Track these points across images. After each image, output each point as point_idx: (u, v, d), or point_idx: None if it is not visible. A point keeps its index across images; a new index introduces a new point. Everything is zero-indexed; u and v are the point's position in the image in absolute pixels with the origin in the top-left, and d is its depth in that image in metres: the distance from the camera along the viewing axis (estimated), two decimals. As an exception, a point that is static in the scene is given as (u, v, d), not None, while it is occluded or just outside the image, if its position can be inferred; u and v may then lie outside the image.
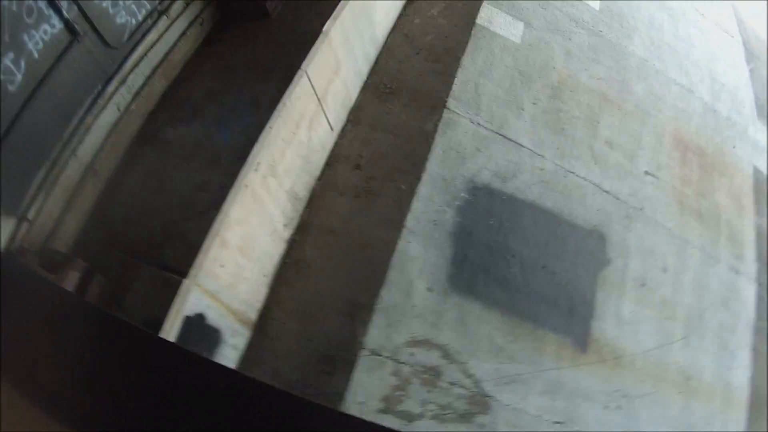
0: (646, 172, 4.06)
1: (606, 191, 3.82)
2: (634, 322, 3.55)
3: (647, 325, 3.60)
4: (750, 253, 4.29)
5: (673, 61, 4.91)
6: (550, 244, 3.50)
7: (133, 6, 2.83)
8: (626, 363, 3.45)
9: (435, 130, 3.57)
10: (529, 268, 3.39)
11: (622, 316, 3.51)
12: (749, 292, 4.16)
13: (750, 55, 5.73)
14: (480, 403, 3.09)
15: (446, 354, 3.08)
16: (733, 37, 5.73)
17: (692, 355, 3.71)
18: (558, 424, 3.21)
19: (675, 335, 3.67)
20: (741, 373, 3.89)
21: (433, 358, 3.07)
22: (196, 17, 3.26)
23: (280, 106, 2.88)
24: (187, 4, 3.17)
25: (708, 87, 4.96)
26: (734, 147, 4.70)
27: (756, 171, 4.78)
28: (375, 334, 3.01)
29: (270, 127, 2.82)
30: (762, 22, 5.98)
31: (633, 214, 3.84)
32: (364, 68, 3.78)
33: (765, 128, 5.13)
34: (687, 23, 5.40)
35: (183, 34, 3.17)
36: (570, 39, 4.49)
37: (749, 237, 4.38)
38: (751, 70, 5.52)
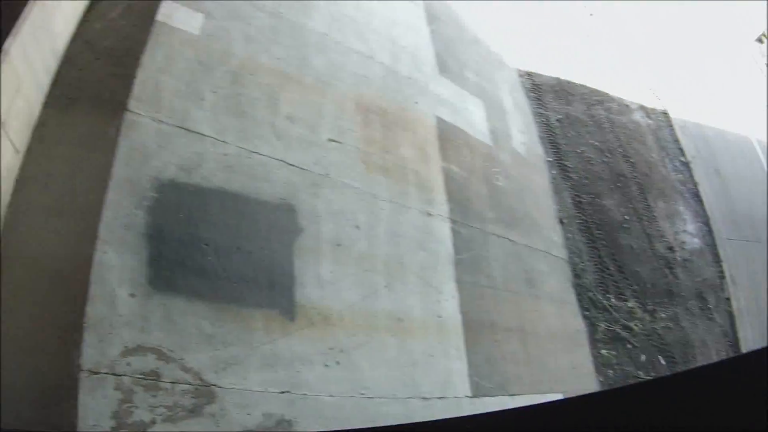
0: (330, 140, 5.02)
1: (291, 164, 4.70)
2: (335, 281, 4.43)
3: (349, 281, 4.50)
4: (440, 195, 5.53)
5: (353, 31, 6.00)
6: (242, 225, 4.25)
7: None
8: (335, 321, 4.31)
9: (118, 134, 4.09)
10: (224, 252, 4.09)
11: (322, 279, 4.38)
12: (444, 230, 5.37)
13: (431, 17, 6.93)
14: (205, 394, 3.63)
15: (161, 355, 3.60)
16: (412, 2, 6.86)
17: (398, 298, 4.72)
18: (284, 393, 3.88)
19: (378, 284, 4.65)
20: (449, 305, 5.02)
21: (149, 362, 3.55)
22: None
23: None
24: None
25: (388, 51, 6.11)
26: (416, 103, 5.89)
27: (439, 120, 6.08)
28: (89, 353, 3.41)
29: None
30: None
31: (319, 181, 4.77)
32: (46, 81, 4.16)
33: (447, 82, 6.28)
34: (368, -6, 6.41)
35: None
36: (250, 24, 5.31)
37: (438, 181, 5.62)
38: (432, 31, 6.69)
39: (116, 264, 3.72)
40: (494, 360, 5.16)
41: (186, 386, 3.61)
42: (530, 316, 5.80)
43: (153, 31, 4.65)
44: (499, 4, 8.90)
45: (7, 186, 3.71)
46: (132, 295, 3.68)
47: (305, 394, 3.98)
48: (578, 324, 6.39)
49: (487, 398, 4.87)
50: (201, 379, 3.68)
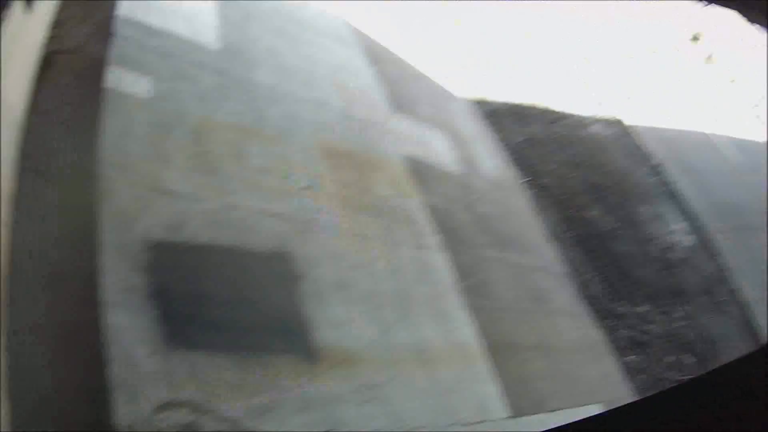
0: (306, 187, 5.26)
1: (273, 214, 4.94)
2: (348, 321, 4.66)
3: (361, 319, 4.74)
4: (427, 228, 5.87)
5: (300, 81, 6.44)
6: (241, 277, 4.48)
7: None
8: (359, 359, 4.52)
9: (96, 202, 4.28)
10: (231, 305, 4.31)
11: (335, 320, 4.60)
12: (441, 261, 5.68)
13: (373, 59, 7.40)
14: None
15: (195, 408, 3.75)
16: (351, 47, 7.33)
17: (415, 331, 4.96)
18: None
19: (391, 319, 4.87)
20: (467, 330, 5.28)
21: (185, 416, 3.69)
22: None
23: None
24: None
25: (340, 96, 6.56)
26: (379, 143, 6.26)
27: (406, 157, 6.49)
28: (122, 412, 3.53)
29: None
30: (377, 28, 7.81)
31: (307, 228, 5.05)
32: (12, 154, 4.23)
33: (404, 118, 6.69)
34: (306, 44, 6.93)
35: None
36: (197, 83, 5.63)
37: (421, 215, 5.98)
38: (377, 72, 7.15)
39: (128, 325, 3.88)
40: (524, 379, 5.39)
41: (227, 435, 3.83)
42: (548, 332, 6.08)
43: (105, 99, 4.86)
44: (432, 38, 9.41)
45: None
46: (152, 354, 3.84)
47: (348, 432, 4.20)
48: (596, 334, 6.70)
49: (526, 417, 5.04)
50: (241, 426, 3.83)
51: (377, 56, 7.85)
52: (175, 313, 4.06)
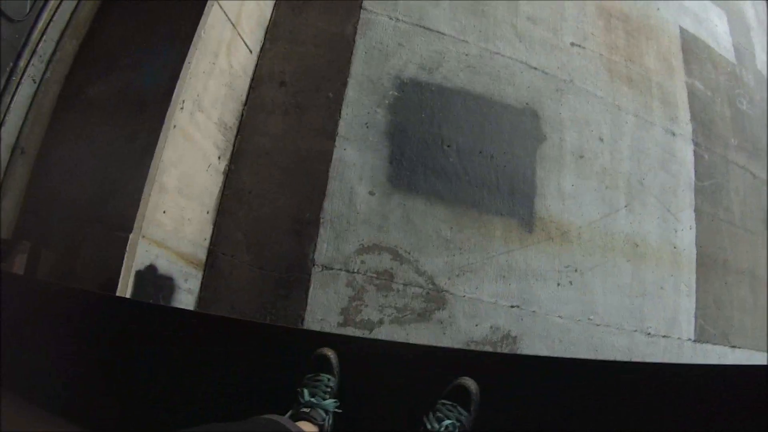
0: (572, 44, 5.00)
1: (534, 67, 4.74)
2: (576, 195, 4.51)
3: (590, 196, 4.57)
4: (684, 114, 5.39)
5: None
6: (485, 127, 4.39)
7: (29, -25, 3.39)
8: (573, 237, 4.41)
9: (354, 33, 4.33)
10: (466, 154, 4.26)
11: (564, 191, 4.47)
12: (687, 152, 5.27)
13: None
14: (436, 299, 3.88)
15: (396, 255, 3.87)
16: None
17: (637, 221, 4.74)
18: (514, 308, 4.06)
19: (618, 203, 4.67)
20: (686, 235, 4.98)
21: (384, 261, 3.83)
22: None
23: (195, 39, 3.37)
24: (81, -40, 3.70)
25: None
26: (658, 9, 5.66)
27: (683, 31, 5.88)
28: (324, 248, 3.73)
29: (188, 62, 3.31)
30: None
31: (563, 87, 4.81)
32: None
33: (689, -14, 6.01)
34: None
35: (83, -10, 3.69)
36: None
37: (682, 98, 5.50)
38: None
39: (356, 161, 4.00)
40: (722, 304, 5.07)
41: (418, 289, 3.86)
42: (764, 262, 5.58)
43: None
44: None
45: (243, 85, 4.05)
46: (371, 193, 3.95)
47: (534, 312, 4.14)
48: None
49: (709, 345, 4.81)
50: (434, 284, 3.92)
51: None
52: (406, 155, 4.08)
